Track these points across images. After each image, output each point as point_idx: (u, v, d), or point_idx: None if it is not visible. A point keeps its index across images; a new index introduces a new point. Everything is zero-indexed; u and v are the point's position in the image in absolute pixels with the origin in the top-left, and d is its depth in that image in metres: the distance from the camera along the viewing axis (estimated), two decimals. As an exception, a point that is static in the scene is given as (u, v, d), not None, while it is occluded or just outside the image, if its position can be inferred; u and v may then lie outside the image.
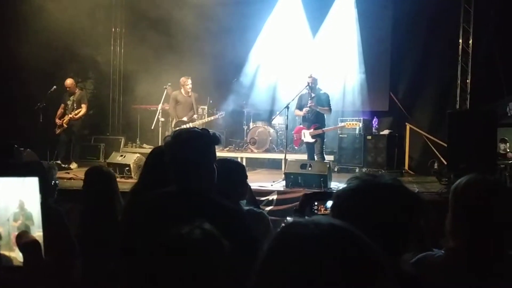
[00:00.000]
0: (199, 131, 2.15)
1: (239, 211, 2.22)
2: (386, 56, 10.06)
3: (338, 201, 1.50)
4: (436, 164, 8.53)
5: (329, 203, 1.79)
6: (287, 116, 7.95)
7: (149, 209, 2.05)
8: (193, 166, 2.07)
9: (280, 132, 10.27)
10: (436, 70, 9.64)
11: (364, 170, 9.02)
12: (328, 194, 2.29)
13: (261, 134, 10.25)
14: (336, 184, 7.04)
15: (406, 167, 9.62)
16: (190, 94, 8.85)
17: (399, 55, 9.96)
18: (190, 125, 8.25)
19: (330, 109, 7.93)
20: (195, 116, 8.97)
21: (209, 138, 2.15)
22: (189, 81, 8.75)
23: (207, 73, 9.74)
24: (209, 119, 9.17)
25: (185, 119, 8.79)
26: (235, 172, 2.81)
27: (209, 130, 2.19)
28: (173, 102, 8.85)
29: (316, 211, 2.87)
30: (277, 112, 9.16)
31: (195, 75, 9.27)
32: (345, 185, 1.51)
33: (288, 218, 3.26)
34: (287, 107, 7.79)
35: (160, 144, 3.11)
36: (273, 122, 10.32)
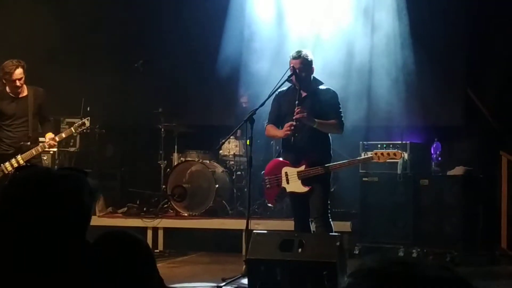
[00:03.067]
0: (45, 175, 1.82)
1: None
2: (458, 28, 9.52)
3: None
4: None
5: None
6: (251, 137, 6.56)
7: None
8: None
9: (238, 173, 9.25)
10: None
11: (415, 251, 7.99)
12: None
13: (197, 177, 9.04)
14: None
15: (504, 243, 8.38)
16: (24, 92, 7.32)
17: (485, 29, 9.56)
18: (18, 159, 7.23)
19: (340, 124, 6.64)
20: (46, 140, 7.29)
21: (72, 193, 1.77)
22: (18, 71, 7.16)
23: (70, 42, 9.63)
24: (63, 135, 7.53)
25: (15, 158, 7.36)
26: (135, 264, 2.12)
27: (69, 173, 1.86)
28: None
29: None
30: (230, 132, 7.78)
31: (42, 47, 9.09)
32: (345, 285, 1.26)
33: None
34: (250, 119, 6.49)
35: None
36: (221, 153, 9.21)
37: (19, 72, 7.16)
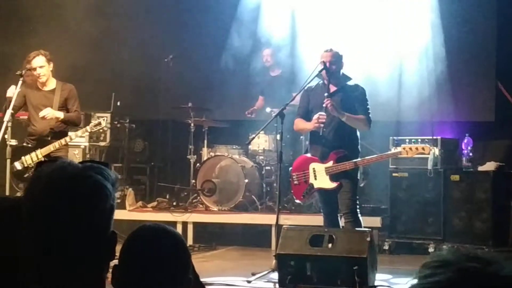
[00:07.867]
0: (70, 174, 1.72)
1: None
2: (489, 22, 9.31)
3: None
4: None
5: None
6: (281, 133, 6.69)
7: None
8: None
9: (268, 168, 9.04)
10: None
11: (445, 247, 7.66)
12: None
13: (227, 172, 8.92)
14: (388, 280, 6.45)
15: (537, 241, 8.30)
16: (51, 85, 7.24)
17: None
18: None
19: (368, 120, 6.54)
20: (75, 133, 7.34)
21: (87, 186, 1.68)
22: (38, 59, 7.05)
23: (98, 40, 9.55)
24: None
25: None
26: (168, 257, 2.06)
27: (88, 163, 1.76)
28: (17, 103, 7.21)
29: None
30: (260, 127, 7.61)
31: (69, 44, 8.89)
32: (418, 281, 1.17)
33: None
34: (281, 114, 6.57)
35: None
36: (251, 147, 9.02)
37: (38, 61, 7.03)
